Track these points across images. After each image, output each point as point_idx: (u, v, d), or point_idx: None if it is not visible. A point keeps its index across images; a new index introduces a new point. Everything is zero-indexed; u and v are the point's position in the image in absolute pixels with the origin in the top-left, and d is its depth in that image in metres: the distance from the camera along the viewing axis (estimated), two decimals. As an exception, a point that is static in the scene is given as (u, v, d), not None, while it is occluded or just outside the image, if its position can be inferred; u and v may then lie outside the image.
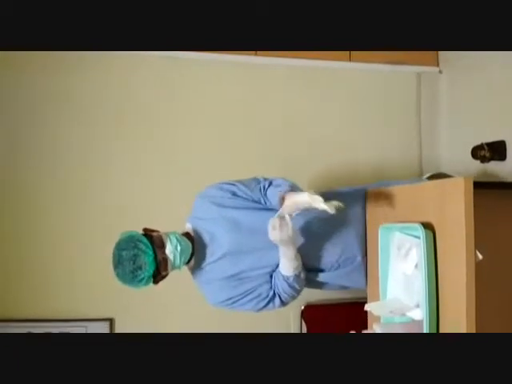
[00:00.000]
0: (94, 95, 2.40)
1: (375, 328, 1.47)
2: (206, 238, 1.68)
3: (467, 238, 1.28)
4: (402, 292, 1.52)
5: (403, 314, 1.49)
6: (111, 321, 2.32)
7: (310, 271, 1.76)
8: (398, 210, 1.60)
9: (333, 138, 2.59)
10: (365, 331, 1.57)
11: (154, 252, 1.54)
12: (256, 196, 1.68)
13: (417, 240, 1.43)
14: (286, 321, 2.52)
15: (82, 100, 2.38)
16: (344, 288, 1.90)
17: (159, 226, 1.67)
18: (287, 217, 1.50)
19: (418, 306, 1.44)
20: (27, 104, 2.33)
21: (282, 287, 1.67)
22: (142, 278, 1.53)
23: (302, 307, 2.52)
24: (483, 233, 1.32)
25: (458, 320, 1.29)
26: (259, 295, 1.69)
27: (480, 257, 1.32)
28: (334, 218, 1.51)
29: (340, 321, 2.36)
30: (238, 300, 1.69)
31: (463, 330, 1.27)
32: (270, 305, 1.71)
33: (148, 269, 1.52)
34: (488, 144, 2.33)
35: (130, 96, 2.44)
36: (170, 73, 2.49)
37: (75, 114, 2.37)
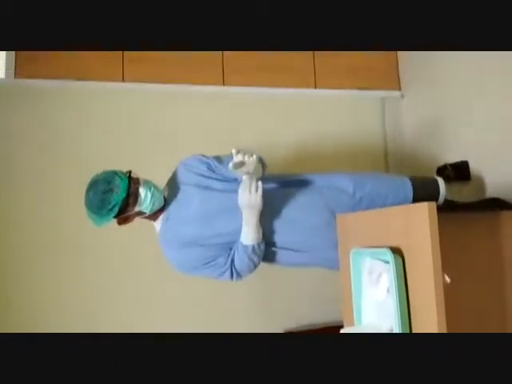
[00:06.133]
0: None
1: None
2: (179, 200, 1.82)
3: (434, 262, 1.30)
4: (375, 317, 1.53)
5: (378, 340, 1.49)
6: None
7: (272, 246, 1.86)
8: (368, 235, 1.62)
9: (301, 165, 2.63)
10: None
11: (129, 183, 1.67)
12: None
13: (387, 265, 1.45)
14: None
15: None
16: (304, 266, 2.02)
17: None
18: (259, 182, 1.68)
19: (391, 330, 1.45)
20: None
21: (240, 259, 1.78)
22: (110, 202, 1.63)
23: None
24: (453, 256, 1.34)
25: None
26: (217, 263, 1.81)
27: (448, 280, 1.34)
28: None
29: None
30: (199, 267, 1.82)
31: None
32: (227, 274, 1.82)
33: (120, 193, 1.64)
34: (451, 164, 2.40)
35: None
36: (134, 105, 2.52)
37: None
